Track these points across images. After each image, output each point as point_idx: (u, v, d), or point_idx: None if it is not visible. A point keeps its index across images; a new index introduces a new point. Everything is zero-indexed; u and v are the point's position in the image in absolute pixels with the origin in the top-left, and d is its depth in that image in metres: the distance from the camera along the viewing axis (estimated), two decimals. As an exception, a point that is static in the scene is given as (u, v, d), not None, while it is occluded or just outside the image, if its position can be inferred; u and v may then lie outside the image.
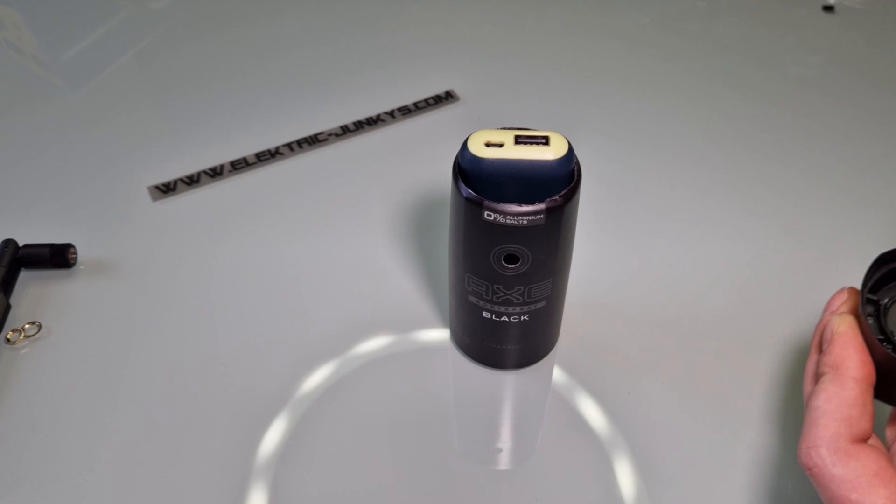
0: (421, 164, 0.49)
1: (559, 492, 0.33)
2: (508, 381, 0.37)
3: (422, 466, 0.34)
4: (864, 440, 0.26)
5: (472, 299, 0.34)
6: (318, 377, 0.37)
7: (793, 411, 0.35)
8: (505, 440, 0.35)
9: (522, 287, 0.32)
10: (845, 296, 0.30)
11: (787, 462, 0.34)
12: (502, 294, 0.32)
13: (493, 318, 0.34)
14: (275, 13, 0.64)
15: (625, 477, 0.34)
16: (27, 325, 0.39)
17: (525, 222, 0.29)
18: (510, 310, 0.33)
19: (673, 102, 0.55)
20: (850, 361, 0.27)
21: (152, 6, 0.65)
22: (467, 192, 0.30)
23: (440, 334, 0.39)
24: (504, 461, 0.34)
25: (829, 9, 0.64)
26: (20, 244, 0.42)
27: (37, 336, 0.39)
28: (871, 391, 0.27)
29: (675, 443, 0.35)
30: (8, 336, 0.39)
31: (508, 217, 0.29)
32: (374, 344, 0.39)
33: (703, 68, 0.58)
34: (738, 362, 0.38)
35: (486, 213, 0.30)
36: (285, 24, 0.62)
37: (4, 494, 0.33)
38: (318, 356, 0.38)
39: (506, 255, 0.31)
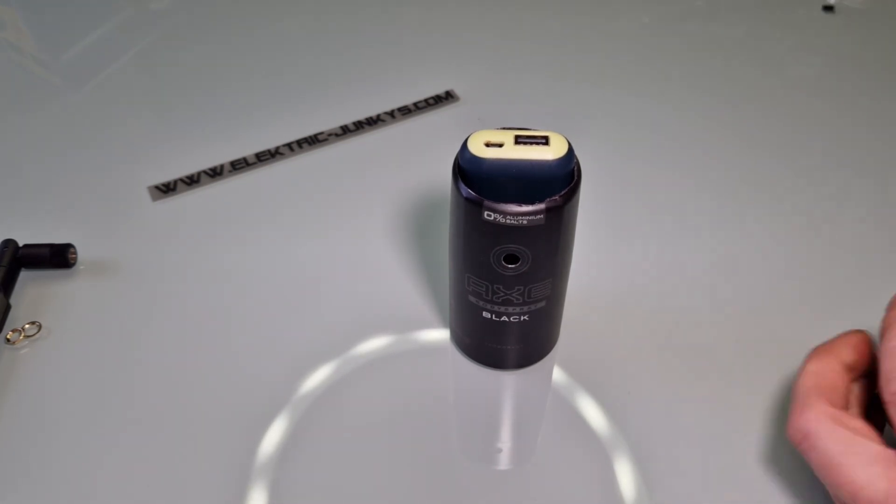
0: (421, 164, 0.49)
1: (559, 492, 0.33)
2: (508, 381, 0.37)
3: (421, 466, 0.34)
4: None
5: (472, 299, 0.34)
6: (318, 377, 0.37)
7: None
8: (505, 440, 0.35)
9: (522, 287, 0.32)
10: None
11: (790, 462, 0.34)
12: (502, 294, 0.32)
13: (493, 318, 0.34)
14: (275, 13, 0.64)
15: (625, 477, 0.34)
16: (27, 325, 0.39)
17: (525, 222, 0.29)
18: (510, 310, 0.33)
19: (672, 102, 0.55)
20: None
21: (152, 6, 0.65)
22: (467, 192, 0.30)
23: (440, 335, 0.39)
24: (504, 461, 0.34)
25: (829, 9, 0.64)
26: (20, 244, 0.42)
27: (37, 336, 0.39)
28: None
29: (675, 443, 0.35)
30: (8, 336, 0.39)
31: (508, 217, 0.29)
32: (374, 344, 0.39)
33: (702, 68, 0.58)
34: (740, 362, 0.38)
35: (485, 213, 0.30)
36: (285, 24, 0.62)
37: (4, 494, 0.33)
38: (317, 356, 0.38)
39: (506, 255, 0.31)
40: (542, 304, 0.33)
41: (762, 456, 0.34)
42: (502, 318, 0.34)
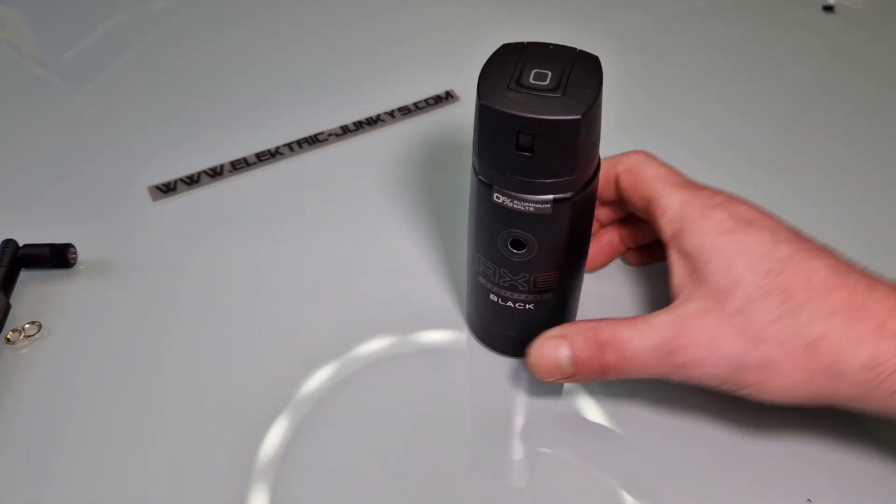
0: (421, 163, 0.49)
1: (558, 490, 0.33)
2: (511, 369, 0.37)
3: (416, 455, 0.34)
4: None
5: (482, 280, 0.34)
6: (319, 377, 0.37)
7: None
8: (504, 431, 0.35)
9: (528, 275, 0.32)
10: None
11: (793, 459, 0.34)
12: (508, 279, 0.33)
13: (500, 301, 0.34)
14: (275, 13, 0.64)
15: (626, 476, 0.34)
16: (27, 325, 0.39)
17: (531, 209, 0.30)
18: (515, 296, 0.34)
19: (672, 102, 0.55)
20: None
21: (152, 6, 0.65)
22: (480, 174, 0.30)
23: (440, 334, 0.39)
24: (499, 459, 0.34)
25: (829, 9, 0.64)
26: (20, 244, 0.42)
27: (37, 336, 0.39)
28: None
29: (681, 441, 0.35)
30: (8, 336, 0.39)
31: (516, 202, 0.29)
32: (375, 345, 0.39)
33: (702, 69, 0.58)
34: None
35: (495, 195, 0.30)
36: (285, 23, 0.62)
37: (4, 494, 0.33)
38: (318, 356, 0.38)
39: (512, 240, 0.31)
40: (549, 295, 0.34)
41: (769, 452, 0.34)
42: (507, 303, 0.34)
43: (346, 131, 0.52)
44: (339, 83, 0.56)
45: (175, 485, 0.33)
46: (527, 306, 0.34)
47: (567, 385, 0.37)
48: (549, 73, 0.29)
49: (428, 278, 0.42)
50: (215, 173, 0.48)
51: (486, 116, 0.29)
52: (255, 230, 0.45)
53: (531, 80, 0.28)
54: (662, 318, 0.30)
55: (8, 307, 0.40)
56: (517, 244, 0.31)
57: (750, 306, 0.29)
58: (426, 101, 0.54)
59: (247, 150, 0.50)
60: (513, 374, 0.37)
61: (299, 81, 0.56)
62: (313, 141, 0.51)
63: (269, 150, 0.50)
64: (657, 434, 0.35)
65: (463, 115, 0.53)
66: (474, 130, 0.30)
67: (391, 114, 0.53)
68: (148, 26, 0.62)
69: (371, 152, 0.50)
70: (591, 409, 0.36)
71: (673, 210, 0.32)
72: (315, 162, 0.49)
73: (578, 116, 0.27)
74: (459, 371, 0.38)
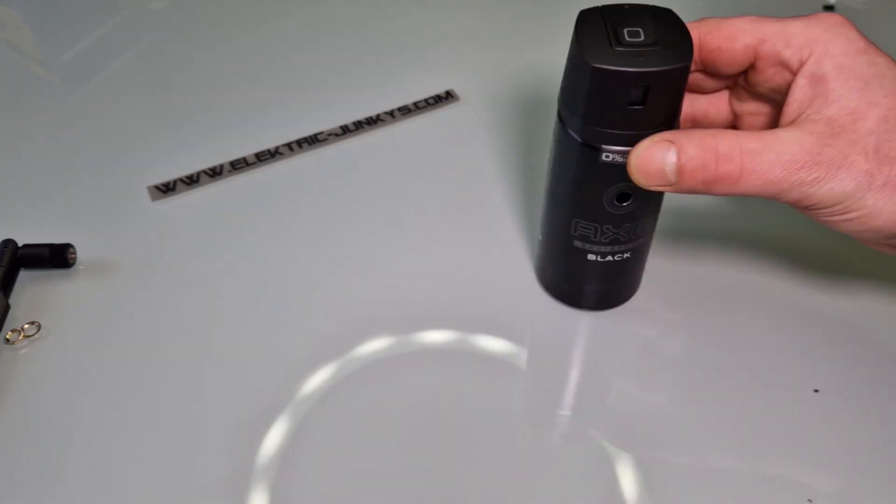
0: (421, 163, 0.49)
1: (561, 491, 0.33)
2: (515, 371, 0.37)
3: (415, 455, 0.34)
4: None
5: (578, 244, 0.35)
6: (319, 378, 0.37)
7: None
8: (505, 432, 0.35)
9: (630, 224, 0.34)
10: None
11: (794, 455, 0.34)
12: (611, 234, 0.34)
13: (598, 258, 0.35)
14: (275, 13, 0.64)
15: (628, 476, 0.34)
16: (26, 325, 0.39)
17: None
18: (616, 248, 0.35)
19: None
20: None
21: (152, 6, 0.65)
22: (585, 136, 0.31)
23: (441, 334, 0.39)
24: (501, 460, 0.34)
25: (829, 9, 0.64)
26: (20, 244, 0.42)
27: (36, 336, 0.39)
28: None
29: (683, 443, 0.35)
30: (7, 336, 0.39)
31: (626, 156, 0.30)
32: (378, 344, 0.39)
33: (703, 68, 0.58)
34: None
35: (604, 154, 0.31)
36: (285, 23, 0.62)
37: (4, 494, 0.33)
38: (319, 356, 0.38)
39: (619, 195, 0.32)
40: (643, 240, 0.35)
41: (772, 453, 0.34)
42: (607, 258, 0.35)
43: (346, 131, 0.52)
44: (339, 83, 0.56)
45: (175, 485, 0.33)
46: (625, 255, 0.35)
47: (568, 387, 0.37)
48: (641, 30, 0.30)
49: (428, 278, 0.42)
50: (215, 173, 0.48)
51: (601, 78, 0.29)
52: (254, 230, 0.45)
53: (628, 38, 0.29)
54: (790, 135, 0.30)
55: (7, 307, 0.40)
56: (623, 197, 0.32)
57: (883, 126, 0.30)
58: (426, 100, 0.54)
59: (246, 150, 0.50)
60: (513, 376, 0.37)
61: (299, 81, 0.56)
62: (313, 141, 0.51)
63: (268, 150, 0.50)
64: (662, 438, 0.35)
65: (463, 115, 0.53)
66: (577, 98, 0.31)
67: (391, 114, 0.53)
68: (148, 26, 0.62)
69: (371, 152, 0.50)
70: (591, 410, 0.36)
71: (799, 37, 0.31)
72: (315, 162, 0.49)
73: (687, 63, 0.29)
74: (460, 371, 0.38)
